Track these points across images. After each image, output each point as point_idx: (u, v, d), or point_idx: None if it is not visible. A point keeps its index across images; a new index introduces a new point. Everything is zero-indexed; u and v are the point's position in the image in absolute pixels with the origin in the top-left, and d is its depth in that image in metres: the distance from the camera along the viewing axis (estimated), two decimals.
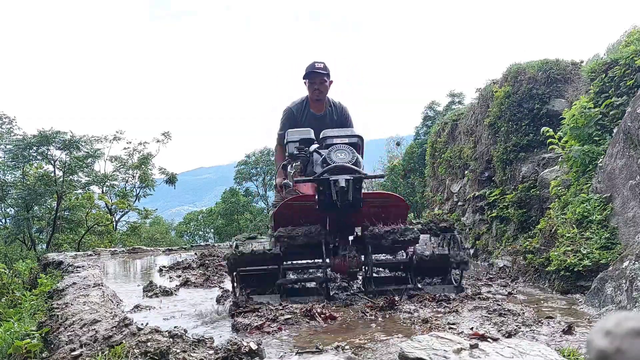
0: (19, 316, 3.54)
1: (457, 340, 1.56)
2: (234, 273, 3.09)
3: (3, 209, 17.01)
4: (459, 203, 6.93)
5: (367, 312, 2.66)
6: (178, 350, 1.79)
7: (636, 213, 3.06)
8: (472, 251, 6.02)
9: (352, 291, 3.33)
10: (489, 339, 1.65)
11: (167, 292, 3.51)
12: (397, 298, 2.84)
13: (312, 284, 3.39)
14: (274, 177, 4.07)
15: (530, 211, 4.95)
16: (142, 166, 19.06)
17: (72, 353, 1.98)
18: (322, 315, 2.56)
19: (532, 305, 2.81)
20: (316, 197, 3.12)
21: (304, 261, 3.31)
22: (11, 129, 15.85)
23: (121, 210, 17.79)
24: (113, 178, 18.79)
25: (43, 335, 2.53)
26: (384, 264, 3.57)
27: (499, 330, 2.17)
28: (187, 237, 31.83)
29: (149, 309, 3.05)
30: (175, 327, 2.07)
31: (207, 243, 9.42)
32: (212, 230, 30.25)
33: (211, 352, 1.82)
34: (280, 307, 2.73)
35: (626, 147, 3.32)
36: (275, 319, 2.50)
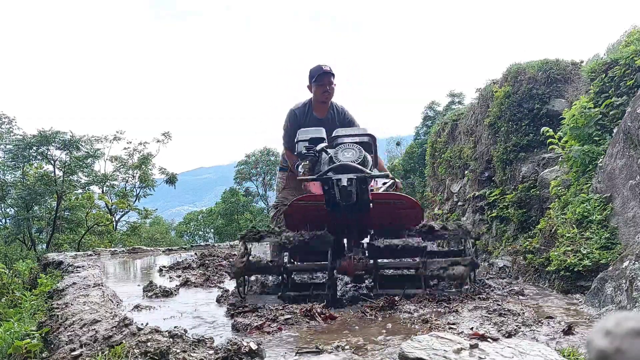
0: (19, 316, 3.54)
1: (457, 340, 1.56)
2: (239, 279, 3.09)
3: (3, 209, 17.01)
4: (459, 203, 6.93)
5: (367, 312, 2.66)
6: (178, 350, 1.79)
7: (636, 213, 3.06)
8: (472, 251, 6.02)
9: (358, 294, 3.26)
10: (489, 339, 1.65)
11: (167, 292, 3.51)
12: (396, 298, 2.83)
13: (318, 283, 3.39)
14: (274, 177, 4.04)
15: (530, 211, 4.95)
16: (142, 166, 19.07)
17: (72, 353, 1.98)
18: (322, 315, 2.56)
19: (532, 305, 2.81)
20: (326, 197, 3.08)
21: (309, 264, 3.26)
22: (11, 129, 15.86)
23: (121, 210, 17.81)
24: (113, 178, 18.81)
25: (43, 335, 2.53)
26: (393, 267, 3.50)
27: (499, 330, 2.17)
28: (187, 237, 31.84)
29: (149, 309, 3.05)
30: (175, 327, 2.07)
31: (207, 243, 9.42)
32: (212, 230, 30.25)
33: (211, 352, 1.82)
34: (280, 307, 2.73)
35: (626, 147, 3.33)
36: (275, 319, 2.50)
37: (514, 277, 4.03)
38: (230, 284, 3.92)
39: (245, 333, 2.32)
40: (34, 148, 15.26)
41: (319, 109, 4.11)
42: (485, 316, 2.48)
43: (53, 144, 15.18)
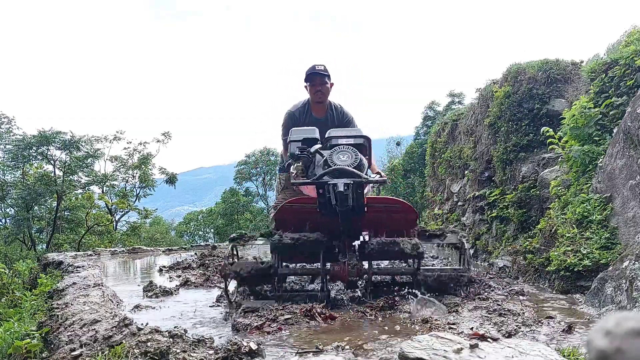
0: (19, 316, 3.54)
1: (457, 340, 1.56)
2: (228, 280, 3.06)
3: (3, 209, 17.01)
4: (459, 203, 6.93)
5: (367, 312, 2.67)
6: (178, 350, 1.79)
7: (636, 213, 3.06)
8: (472, 251, 6.02)
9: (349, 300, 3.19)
10: (489, 339, 1.65)
11: (167, 292, 3.51)
12: (397, 299, 2.82)
13: (312, 286, 3.38)
14: (274, 177, 3.96)
15: (530, 211, 4.95)
16: (142, 166, 19.07)
17: (72, 353, 1.98)
18: (322, 315, 2.56)
19: (532, 305, 2.81)
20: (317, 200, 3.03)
21: (302, 268, 3.23)
22: (10, 129, 15.86)
23: (121, 210, 17.80)
24: (113, 178, 18.80)
25: (43, 335, 2.53)
26: (387, 273, 3.49)
27: (499, 330, 2.17)
28: (187, 237, 31.84)
29: (149, 309, 3.05)
30: (175, 327, 2.07)
31: (207, 243, 9.43)
32: (212, 230, 30.25)
33: (211, 352, 1.82)
34: (280, 307, 2.73)
35: (626, 147, 3.32)
36: (275, 319, 2.50)
37: (514, 277, 4.03)
38: (230, 284, 3.92)
39: (245, 333, 2.32)
40: (34, 148, 15.26)
41: (317, 109, 4.08)
42: (485, 316, 2.48)
43: (53, 144, 15.18)
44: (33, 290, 4.27)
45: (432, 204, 8.33)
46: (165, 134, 19.40)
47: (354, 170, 2.80)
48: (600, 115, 3.95)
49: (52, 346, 2.35)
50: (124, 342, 1.89)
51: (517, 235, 5.03)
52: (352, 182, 2.74)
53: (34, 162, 15.99)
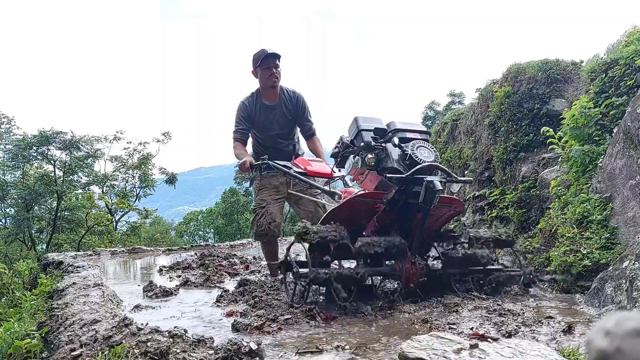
0: (19, 316, 3.54)
1: (457, 340, 1.56)
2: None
3: (3, 209, 17.00)
4: None
5: (367, 312, 2.66)
6: (178, 350, 1.79)
7: (636, 213, 3.06)
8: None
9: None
10: (489, 339, 1.65)
11: (167, 292, 3.51)
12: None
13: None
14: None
15: (530, 211, 4.95)
16: (142, 166, 19.06)
17: (72, 353, 1.98)
18: (321, 316, 2.56)
19: (532, 305, 2.81)
20: (388, 196, 2.83)
21: (377, 269, 2.95)
22: (10, 129, 15.86)
23: (121, 210, 17.79)
24: (113, 178, 18.80)
25: (43, 335, 2.53)
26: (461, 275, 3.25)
27: (499, 330, 2.17)
28: (187, 237, 31.84)
29: (149, 309, 3.05)
30: (175, 327, 2.07)
31: (207, 243, 9.42)
32: (212, 230, 30.25)
33: (211, 352, 1.82)
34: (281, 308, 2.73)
35: (626, 147, 3.32)
36: (275, 319, 2.50)
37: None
38: (230, 284, 3.92)
39: (245, 333, 2.32)
40: (34, 148, 15.26)
41: (268, 96, 3.88)
42: (485, 316, 2.48)
43: (53, 144, 15.18)
44: (33, 290, 4.27)
45: None
46: (165, 134, 19.40)
47: (445, 167, 2.75)
48: (600, 115, 3.94)
49: (52, 346, 2.35)
50: (124, 342, 1.89)
51: (517, 235, 5.03)
52: (444, 180, 2.70)
53: (34, 162, 15.99)
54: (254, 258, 5.73)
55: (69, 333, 2.27)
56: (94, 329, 2.21)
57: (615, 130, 3.60)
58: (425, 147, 2.83)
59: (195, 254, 6.17)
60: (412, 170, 2.71)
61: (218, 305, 3.06)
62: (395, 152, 2.83)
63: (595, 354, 0.58)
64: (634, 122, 3.25)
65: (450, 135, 7.44)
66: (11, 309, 4.11)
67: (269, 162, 3.63)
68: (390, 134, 2.96)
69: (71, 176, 16.14)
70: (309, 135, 4.09)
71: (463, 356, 1.45)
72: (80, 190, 17.00)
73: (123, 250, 7.31)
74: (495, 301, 2.83)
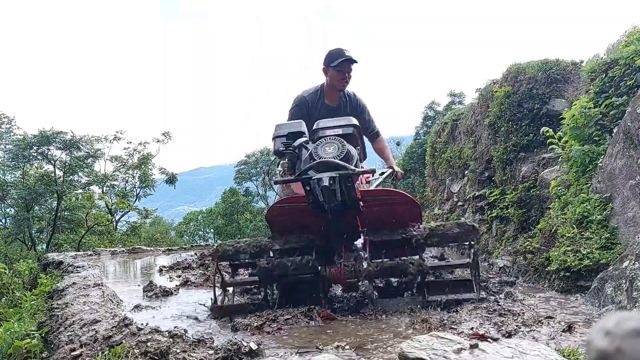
0: (19, 316, 3.54)
1: (457, 340, 1.56)
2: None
3: (3, 209, 17.01)
4: (459, 203, 6.93)
5: (367, 313, 2.66)
6: (178, 350, 1.79)
7: (636, 213, 3.06)
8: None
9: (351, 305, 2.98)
10: (489, 339, 1.64)
11: (167, 292, 3.51)
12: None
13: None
14: (274, 177, 3.75)
15: (530, 211, 4.95)
16: (142, 166, 19.07)
17: (72, 353, 1.98)
18: (321, 316, 2.56)
19: (532, 306, 2.81)
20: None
21: (296, 274, 2.88)
22: (11, 129, 15.86)
23: (121, 210, 17.80)
24: (113, 178, 18.82)
25: (43, 335, 2.53)
26: (390, 272, 3.08)
27: (499, 330, 2.17)
28: (187, 237, 31.84)
29: (149, 309, 3.05)
30: (175, 327, 2.07)
31: (207, 243, 9.42)
32: (212, 230, 30.26)
33: (211, 352, 1.82)
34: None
35: (626, 147, 3.32)
36: (275, 319, 2.50)
37: (514, 277, 4.03)
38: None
39: (245, 333, 2.32)
40: (34, 148, 15.27)
41: (331, 97, 3.78)
42: (485, 316, 2.48)
43: (53, 144, 15.18)
44: (33, 290, 4.27)
45: (432, 204, 8.33)
46: (165, 134, 19.41)
47: (339, 161, 2.58)
48: (600, 115, 3.95)
49: (52, 346, 2.35)
50: (124, 342, 1.89)
51: (517, 235, 5.03)
52: (337, 175, 2.54)
53: (34, 162, 16.00)
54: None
55: (69, 333, 2.27)
56: (94, 329, 2.21)
57: (615, 130, 3.60)
58: (334, 142, 2.67)
59: (195, 254, 6.17)
60: (302, 170, 2.64)
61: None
62: (305, 154, 2.75)
63: (595, 354, 0.58)
64: (634, 122, 3.25)
65: (450, 135, 7.44)
66: (11, 309, 4.11)
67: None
68: (314, 134, 2.89)
69: (71, 176, 16.15)
70: (373, 136, 3.97)
71: (463, 356, 1.45)
72: (80, 190, 17.02)
73: (123, 250, 7.30)
74: (495, 301, 2.83)
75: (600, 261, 3.06)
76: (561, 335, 2.13)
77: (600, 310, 2.65)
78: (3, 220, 17.18)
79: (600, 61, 4.57)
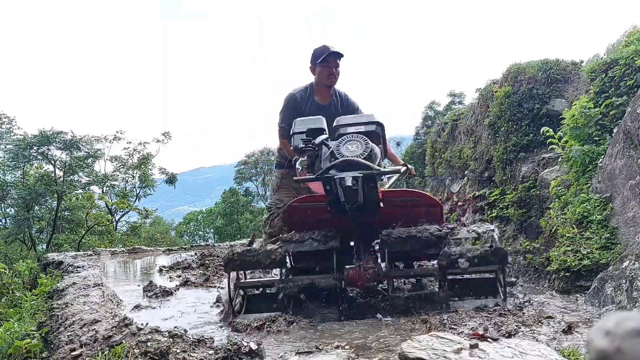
0: (19, 316, 3.54)
1: (457, 340, 1.56)
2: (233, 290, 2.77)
3: (3, 209, 17.01)
4: (459, 203, 6.93)
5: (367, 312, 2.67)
6: (178, 350, 1.79)
7: (636, 213, 3.06)
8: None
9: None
10: (489, 339, 1.64)
11: (167, 292, 3.51)
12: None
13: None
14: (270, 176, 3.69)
15: (530, 211, 4.94)
16: (142, 166, 19.07)
17: (72, 353, 1.98)
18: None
19: (532, 306, 2.81)
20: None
21: (312, 277, 2.79)
22: (11, 129, 15.86)
23: (121, 210, 17.80)
24: (113, 178, 18.81)
25: (43, 335, 2.53)
26: (408, 275, 3.08)
27: (498, 330, 2.17)
28: (187, 237, 31.84)
29: (149, 309, 3.05)
30: (175, 327, 2.07)
31: (207, 243, 9.42)
32: (212, 230, 30.26)
33: (211, 352, 1.82)
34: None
35: (626, 147, 3.32)
36: (275, 319, 2.50)
37: (514, 277, 4.03)
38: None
39: (245, 333, 2.32)
40: (35, 148, 15.27)
41: (322, 94, 3.69)
42: (485, 316, 2.48)
43: (54, 144, 15.18)
44: (33, 290, 4.27)
45: None
46: (165, 134, 19.40)
47: (364, 161, 2.48)
48: (600, 115, 3.94)
49: (52, 346, 2.35)
50: (124, 342, 1.89)
51: (517, 235, 5.03)
52: (361, 174, 2.44)
53: (34, 162, 16.00)
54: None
55: (69, 333, 2.27)
56: (94, 329, 2.21)
57: (615, 130, 3.60)
58: (357, 140, 2.56)
59: (195, 254, 6.17)
60: (324, 168, 2.53)
61: (218, 305, 3.06)
62: (326, 152, 2.64)
63: (595, 354, 0.58)
64: (634, 122, 3.25)
65: (450, 135, 7.44)
66: (11, 309, 4.11)
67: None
68: (335, 131, 2.78)
69: (71, 176, 16.14)
70: None
71: (463, 356, 1.45)
72: (80, 190, 17.01)
73: (123, 250, 7.31)
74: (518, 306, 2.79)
75: (600, 261, 3.06)
76: (561, 335, 2.13)
77: (600, 310, 2.65)
78: (3, 220, 17.18)
79: (600, 61, 4.57)
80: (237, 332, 2.36)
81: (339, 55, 3.61)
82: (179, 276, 4.43)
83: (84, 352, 1.96)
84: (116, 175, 18.97)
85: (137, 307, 3.06)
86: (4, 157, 15.63)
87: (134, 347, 1.81)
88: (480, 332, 1.93)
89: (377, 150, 2.62)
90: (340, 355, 1.82)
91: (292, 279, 2.76)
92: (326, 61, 3.58)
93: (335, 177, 2.47)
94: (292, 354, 1.92)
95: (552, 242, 3.66)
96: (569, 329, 2.17)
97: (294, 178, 2.86)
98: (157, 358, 1.73)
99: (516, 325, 2.25)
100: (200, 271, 4.68)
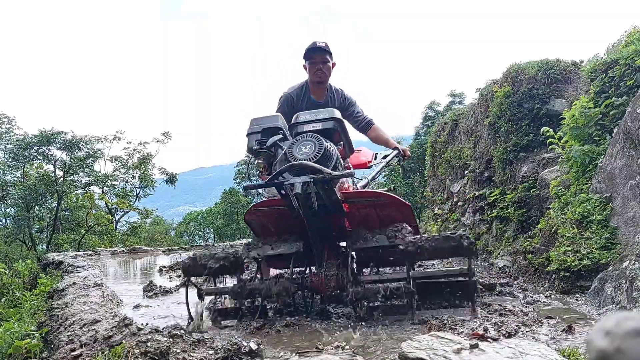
0: (19, 316, 3.54)
1: (457, 340, 1.56)
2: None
3: (3, 209, 17.02)
4: (459, 203, 6.93)
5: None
6: (178, 350, 1.79)
7: (636, 213, 3.06)
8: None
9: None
10: (489, 339, 1.64)
11: (167, 292, 3.51)
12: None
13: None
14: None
15: (530, 211, 4.94)
16: (142, 166, 19.07)
17: (72, 353, 1.98)
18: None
19: (532, 305, 2.81)
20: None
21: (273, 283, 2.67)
22: (11, 129, 15.87)
23: (121, 210, 17.80)
24: (113, 178, 18.82)
25: (43, 335, 2.53)
26: (375, 281, 2.80)
27: (499, 330, 2.17)
28: (187, 237, 31.86)
29: (149, 309, 3.05)
30: (175, 327, 2.07)
31: (207, 243, 9.42)
32: (212, 230, 30.27)
33: (211, 352, 1.82)
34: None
35: (626, 147, 3.32)
36: (275, 320, 2.50)
37: (513, 277, 4.03)
38: (230, 284, 3.92)
39: (245, 333, 2.32)
40: (35, 148, 15.28)
41: (317, 92, 3.59)
42: (485, 316, 2.48)
43: (54, 144, 15.19)
44: (33, 290, 4.27)
45: (432, 204, 8.33)
46: (165, 134, 19.40)
47: (313, 164, 2.32)
48: (600, 115, 3.94)
49: (52, 346, 2.35)
50: (124, 342, 1.89)
51: (517, 235, 5.03)
52: (311, 179, 2.29)
53: (34, 162, 16.01)
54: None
55: (69, 333, 2.27)
56: (94, 329, 2.21)
57: (615, 130, 3.60)
58: (311, 140, 2.40)
59: (195, 254, 6.17)
60: (274, 174, 2.40)
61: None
62: (280, 153, 2.49)
63: (595, 354, 0.58)
64: (634, 122, 3.25)
65: (450, 135, 7.44)
66: (11, 309, 4.11)
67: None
68: (292, 129, 2.61)
69: (71, 176, 16.16)
70: (365, 125, 3.69)
71: (463, 356, 1.45)
72: (80, 190, 17.02)
73: (123, 250, 7.31)
74: (495, 301, 2.82)
75: (600, 261, 3.06)
76: (561, 335, 2.13)
77: (600, 310, 2.65)
78: (3, 220, 17.19)
79: (600, 61, 4.57)
80: (237, 332, 2.36)
81: (323, 51, 3.50)
82: (179, 276, 4.43)
83: (84, 352, 1.96)
84: (116, 175, 18.98)
85: (137, 307, 3.07)
86: (4, 157, 15.65)
87: (134, 347, 1.81)
88: (480, 332, 1.93)
89: (334, 149, 2.45)
90: (340, 355, 1.82)
91: (246, 284, 2.65)
92: (311, 57, 3.49)
93: (285, 183, 2.35)
94: (292, 354, 1.92)
95: (552, 242, 3.66)
96: (569, 329, 2.17)
97: (244, 185, 2.77)
98: (157, 358, 1.73)
99: (516, 325, 2.25)
100: None
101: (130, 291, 3.70)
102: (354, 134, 3.29)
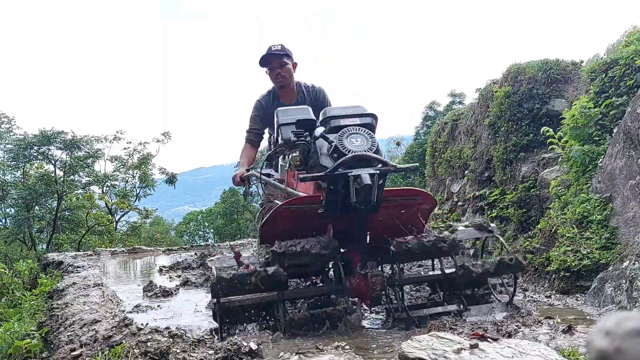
0: (19, 316, 3.54)
1: (457, 340, 1.56)
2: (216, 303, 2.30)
3: (3, 209, 17.01)
4: (459, 203, 6.93)
5: (366, 313, 2.66)
6: (178, 350, 1.79)
7: (636, 213, 3.06)
8: (472, 251, 6.02)
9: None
10: (489, 339, 1.64)
11: (167, 292, 3.51)
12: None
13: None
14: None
15: (530, 211, 4.94)
16: (142, 166, 19.06)
17: (72, 353, 1.98)
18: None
19: (532, 306, 2.81)
20: (323, 198, 2.33)
21: (309, 289, 2.58)
22: (11, 129, 15.87)
23: (121, 210, 17.80)
24: (113, 178, 18.81)
25: (43, 335, 2.53)
26: (419, 281, 2.94)
27: (498, 330, 2.17)
28: (187, 237, 31.85)
29: (149, 309, 3.05)
30: (175, 327, 2.07)
31: (207, 243, 9.42)
32: (212, 230, 30.27)
33: (211, 352, 1.82)
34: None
35: (626, 147, 3.32)
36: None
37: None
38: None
39: (245, 333, 2.32)
40: (35, 148, 15.28)
41: (284, 95, 3.53)
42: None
43: (54, 144, 15.19)
44: (33, 290, 4.27)
45: None
46: (165, 134, 19.39)
47: (377, 156, 2.22)
48: (600, 115, 3.94)
49: (52, 346, 2.35)
50: (124, 342, 1.89)
51: (517, 235, 5.03)
52: (378, 171, 2.18)
53: (34, 162, 16.00)
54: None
55: (69, 333, 2.27)
56: (94, 329, 2.21)
57: (615, 130, 3.60)
58: (360, 134, 2.29)
59: (195, 254, 6.17)
60: (334, 165, 2.21)
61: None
62: (324, 146, 2.32)
63: (595, 354, 0.58)
64: (634, 122, 3.25)
65: (450, 135, 7.44)
66: (11, 309, 4.11)
67: (254, 171, 3.27)
68: (319, 124, 2.46)
69: (71, 176, 16.15)
70: None
71: (463, 356, 1.45)
72: (80, 190, 17.02)
73: (123, 250, 7.31)
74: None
75: (600, 261, 3.06)
76: (561, 335, 2.13)
77: (600, 310, 2.65)
78: (3, 220, 17.18)
79: (600, 61, 4.57)
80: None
81: (278, 55, 3.42)
82: (179, 276, 4.43)
83: (84, 352, 1.96)
84: (116, 175, 18.97)
85: (137, 307, 3.07)
86: (4, 157, 15.65)
87: (134, 347, 1.81)
88: (480, 332, 1.93)
89: (379, 144, 2.36)
90: (340, 355, 1.82)
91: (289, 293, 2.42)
92: (268, 63, 3.44)
93: (350, 174, 2.17)
94: (292, 354, 1.92)
95: (552, 242, 3.66)
96: (569, 329, 2.17)
97: (300, 176, 2.48)
98: (157, 358, 1.73)
99: (516, 325, 2.25)
100: (200, 271, 4.69)
101: (131, 291, 3.70)
102: None
